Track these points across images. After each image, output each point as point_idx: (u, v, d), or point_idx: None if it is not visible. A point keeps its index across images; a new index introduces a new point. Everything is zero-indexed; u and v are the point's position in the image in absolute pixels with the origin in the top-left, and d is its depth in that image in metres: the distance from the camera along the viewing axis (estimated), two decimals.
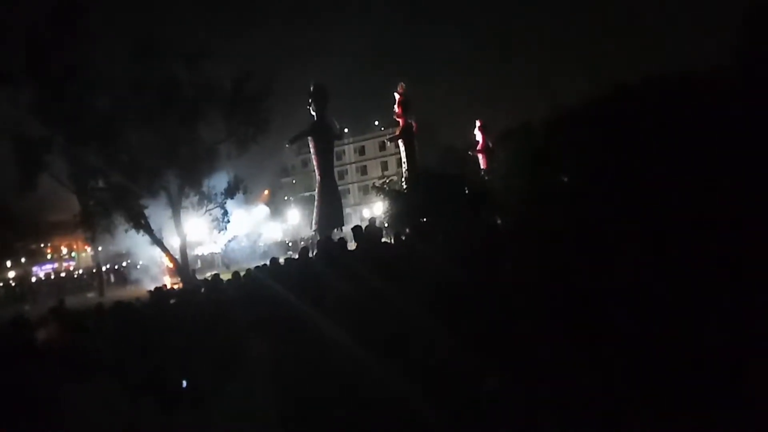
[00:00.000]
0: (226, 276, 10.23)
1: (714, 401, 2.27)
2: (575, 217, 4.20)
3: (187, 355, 5.21)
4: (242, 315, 6.06)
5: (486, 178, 16.53)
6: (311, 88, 19.33)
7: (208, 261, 37.84)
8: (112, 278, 36.02)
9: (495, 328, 3.79)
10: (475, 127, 27.07)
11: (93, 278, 34.59)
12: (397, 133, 22.02)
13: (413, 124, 21.60)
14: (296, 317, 5.50)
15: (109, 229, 23.94)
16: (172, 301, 9.08)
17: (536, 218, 4.76)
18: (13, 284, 38.64)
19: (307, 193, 47.55)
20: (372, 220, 14.06)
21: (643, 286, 3.22)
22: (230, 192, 24.31)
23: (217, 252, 36.79)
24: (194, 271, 23.56)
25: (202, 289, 9.66)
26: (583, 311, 3.35)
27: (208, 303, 7.62)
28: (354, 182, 67.71)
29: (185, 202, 24.03)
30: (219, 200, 24.17)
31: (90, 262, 40.89)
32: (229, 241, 29.42)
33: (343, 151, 64.87)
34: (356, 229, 7.89)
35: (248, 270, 9.21)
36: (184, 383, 4.66)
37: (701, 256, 3.15)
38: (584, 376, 2.84)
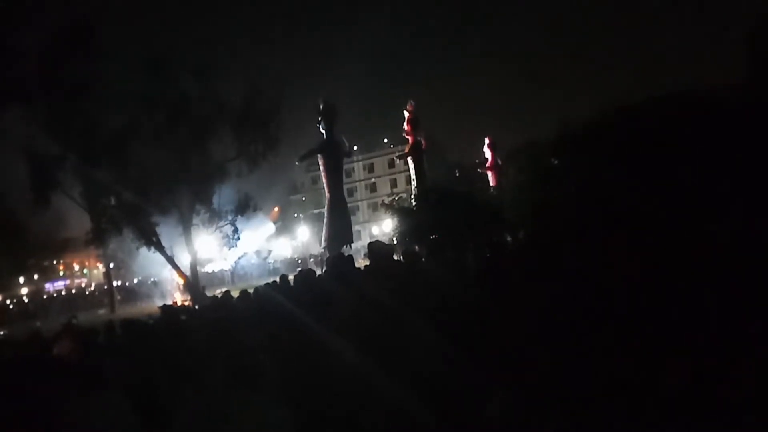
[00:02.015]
0: (236, 293, 10.27)
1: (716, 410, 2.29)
2: (584, 235, 4.21)
3: (195, 372, 5.23)
4: (251, 332, 6.08)
5: (495, 195, 16.53)
6: (320, 106, 19.48)
7: (219, 278, 37.99)
8: (124, 295, 36.20)
9: (505, 345, 3.79)
10: (484, 144, 27.13)
11: (104, 295, 34.80)
12: (407, 150, 22.09)
13: (422, 141, 21.67)
14: (306, 334, 5.51)
15: (121, 247, 24.19)
16: (182, 318, 9.12)
17: (545, 236, 4.78)
18: (26, 301, 38.94)
19: (317, 210, 47.72)
20: (377, 242, 14.04)
21: (652, 302, 3.22)
22: (240, 209, 24.50)
23: (227, 269, 36.95)
24: (204, 288, 23.66)
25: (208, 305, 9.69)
26: (592, 327, 3.35)
27: (217, 320, 7.65)
28: (363, 199, 67.89)
29: (196, 220, 24.23)
30: (229, 217, 24.35)
31: (102, 279, 41.19)
32: (239, 258, 29.54)
33: (353, 169, 65.15)
34: (370, 246, 7.91)
35: (256, 288, 9.24)
36: (193, 400, 4.68)
37: (711, 275, 3.15)
38: (595, 392, 2.84)
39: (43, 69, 21.80)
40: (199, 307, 12.29)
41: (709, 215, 3.36)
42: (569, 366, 3.01)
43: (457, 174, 34.62)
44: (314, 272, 9.25)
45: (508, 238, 9.37)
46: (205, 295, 20.25)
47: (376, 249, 7.99)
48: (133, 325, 7.34)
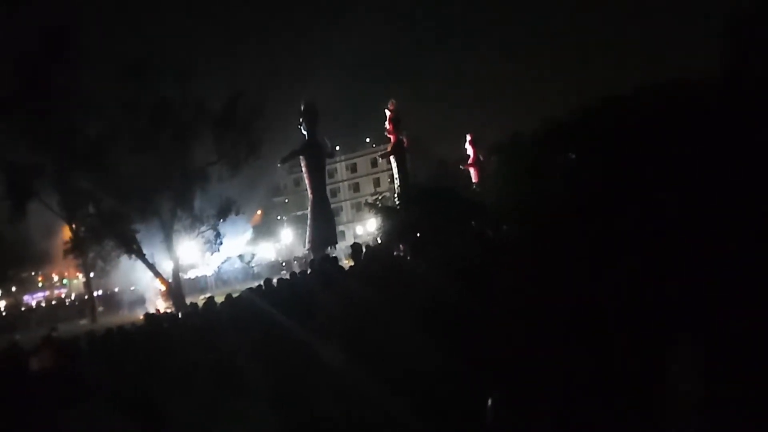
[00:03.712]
0: (219, 298, 10.13)
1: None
2: (567, 228, 4.19)
3: (181, 379, 5.13)
4: (236, 337, 5.99)
5: (478, 191, 16.55)
6: (302, 107, 19.42)
7: (202, 284, 37.50)
8: (105, 304, 35.57)
9: (494, 343, 3.75)
10: (466, 141, 27.24)
11: (85, 305, 34.18)
12: (389, 149, 22.10)
13: (404, 140, 21.68)
14: (292, 337, 5.44)
15: (101, 255, 23.76)
16: (165, 326, 8.96)
17: (528, 230, 4.76)
18: (4, 314, 38.16)
19: (300, 212, 47.42)
20: (377, 245, 13.97)
21: (639, 297, 3.20)
22: (222, 213, 24.20)
23: (210, 275, 36.51)
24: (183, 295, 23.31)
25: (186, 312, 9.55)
26: (578, 323, 3.32)
27: (200, 327, 7.53)
28: (347, 200, 67.68)
29: (177, 225, 23.87)
30: (211, 222, 24.06)
31: (82, 289, 40.44)
32: (222, 263, 29.20)
33: (335, 169, 64.88)
34: (355, 247, 7.85)
35: (240, 294, 9.12)
36: (177, 407, 4.59)
37: (700, 267, 3.13)
38: (584, 390, 2.81)
39: (20, 75, 21.32)
40: (183, 314, 12.12)
41: (700, 203, 3.35)
42: (562, 365, 2.98)
43: (440, 171, 34.68)
44: (297, 275, 9.16)
45: (490, 233, 9.35)
46: (184, 302, 19.96)
47: (362, 250, 7.93)
48: (113, 335, 7.20)
